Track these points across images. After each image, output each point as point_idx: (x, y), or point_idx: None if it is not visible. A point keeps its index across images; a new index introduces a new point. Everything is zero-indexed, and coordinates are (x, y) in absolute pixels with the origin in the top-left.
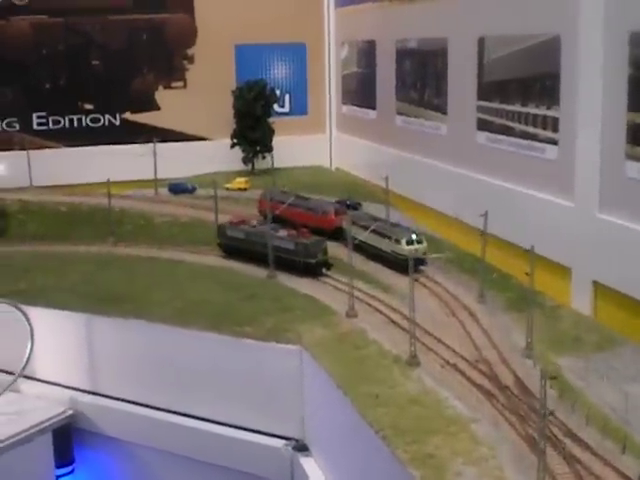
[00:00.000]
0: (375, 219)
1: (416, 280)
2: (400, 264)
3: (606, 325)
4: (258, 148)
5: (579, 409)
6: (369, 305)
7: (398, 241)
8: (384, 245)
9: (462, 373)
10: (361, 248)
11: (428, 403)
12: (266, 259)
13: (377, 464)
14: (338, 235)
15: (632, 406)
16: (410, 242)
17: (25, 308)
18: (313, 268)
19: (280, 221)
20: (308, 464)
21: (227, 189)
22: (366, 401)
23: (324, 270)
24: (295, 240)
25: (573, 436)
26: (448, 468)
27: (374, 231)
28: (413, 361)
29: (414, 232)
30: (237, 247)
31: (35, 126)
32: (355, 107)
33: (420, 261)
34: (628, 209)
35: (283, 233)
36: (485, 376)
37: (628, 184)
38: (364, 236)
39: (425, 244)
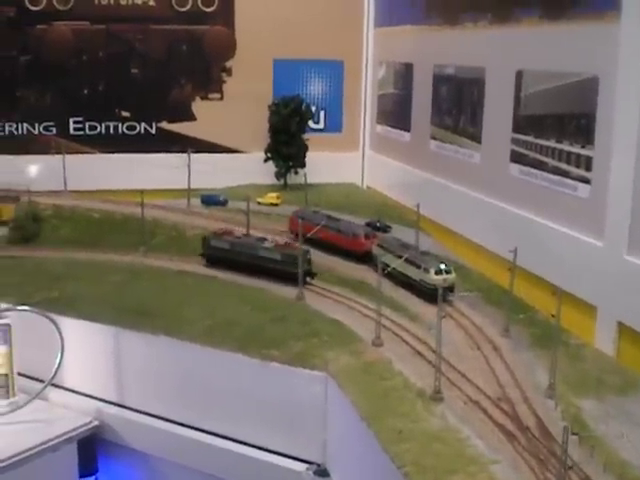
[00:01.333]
0: (405, 245)
1: (443, 316)
2: (428, 293)
3: (629, 367)
4: (291, 163)
5: (598, 456)
6: (395, 334)
7: (427, 270)
8: (413, 273)
9: (484, 411)
10: (389, 274)
11: (450, 441)
12: (251, 269)
13: None
14: (367, 259)
15: None
16: (439, 272)
17: (56, 317)
18: (298, 278)
19: (310, 241)
20: None
21: (259, 203)
22: (389, 436)
23: (308, 279)
24: (281, 251)
25: None
26: None
27: (405, 259)
28: (437, 396)
29: (443, 262)
30: (222, 257)
31: (72, 131)
32: (389, 128)
33: (449, 290)
34: None
35: (269, 244)
36: (507, 415)
37: None
38: (395, 263)
39: (454, 275)
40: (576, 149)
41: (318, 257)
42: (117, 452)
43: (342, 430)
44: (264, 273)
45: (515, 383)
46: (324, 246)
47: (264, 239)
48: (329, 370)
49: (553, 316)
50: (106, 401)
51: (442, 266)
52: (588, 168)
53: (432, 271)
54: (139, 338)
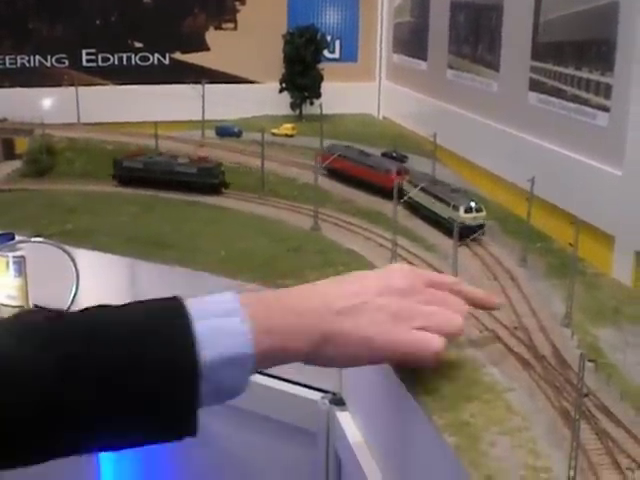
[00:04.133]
0: (436, 182)
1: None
2: (455, 231)
3: None
4: (306, 94)
5: (614, 384)
6: (411, 264)
7: (456, 207)
8: (441, 210)
9: (500, 339)
10: (417, 210)
11: (465, 369)
12: (165, 185)
13: (412, 427)
14: (399, 195)
15: None
16: (469, 210)
17: (70, 249)
18: (215, 188)
19: (339, 176)
20: (344, 418)
21: (273, 134)
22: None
23: (223, 190)
24: (197, 165)
25: (607, 412)
26: (483, 437)
27: (434, 196)
28: None
29: (473, 200)
30: (135, 177)
31: (84, 62)
32: (406, 57)
33: (477, 229)
34: None
35: (184, 160)
36: (523, 344)
37: None
38: (419, 197)
39: (484, 213)
40: (595, 76)
41: (337, 188)
42: None
43: None
44: (180, 187)
45: (532, 312)
46: (354, 182)
47: (177, 156)
48: None
49: (571, 245)
50: None
51: (472, 204)
52: (607, 96)
53: (462, 209)
54: (153, 269)
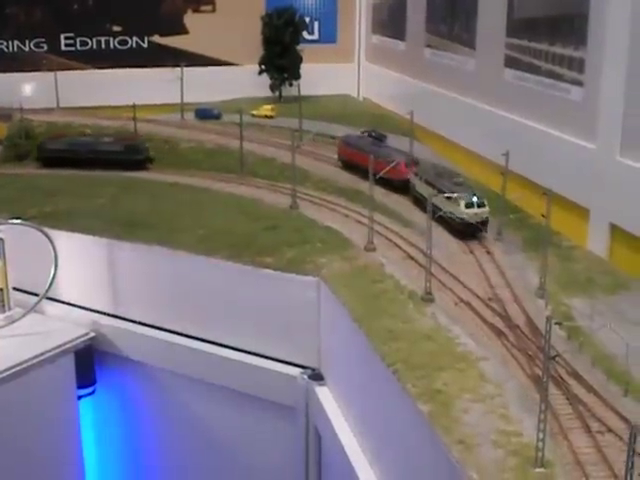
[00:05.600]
0: (441, 174)
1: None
2: (456, 228)
3: (620, 268)
4: (286, 75)
5: (586, 351)
6: (388, 240)
7: (457, 202)
8: (443, 205)
9: (475, 311)
10: (421, 203)
11: (440, 340)
12: (91, 164)
13: (388, 397)
14: (406, 188)
15: (632, 348)
16: (470, 205)
17: (50, 232)
18: (141, 163)
19: (351, 168)
20: (322, 393)
21: (253, 116)
22: (380, 335)
23: (148, 165)
24: (123, 143)
25: (578, 377)
26: (455, 404)
27: (435, 187)
28: (428, 297)
29: (475, 194)
30: (60, 157)
31: (63, 47)
32: (385, 38)
33: (482, 225)
34: None
35: (108, 139)
36: (497, 315)
37: None
38: (422, 189)
39: (487, 208)
40: (569, 51)
41: (316, 167)
42: (115, 363)
43: (335, 334)
44: (106, 165)
45: (506, 284)
46: (365, 172)
47: (101, 136)
48: (322, 275)
49: (543, 216)
50: (102, 312)
51: (474, 198)
52: (581, 70)
53: (462, 203)
54: (132, 249)
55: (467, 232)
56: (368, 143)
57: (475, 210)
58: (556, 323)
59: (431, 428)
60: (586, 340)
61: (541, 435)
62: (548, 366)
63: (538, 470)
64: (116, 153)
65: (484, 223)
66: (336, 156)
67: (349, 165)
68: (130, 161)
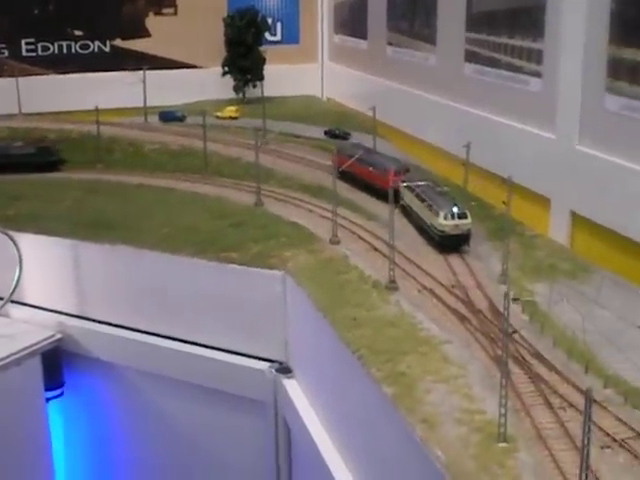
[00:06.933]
0: (429, 185)
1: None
2: (436, 240)
3: (582, 255)
4: (249, 77)
5: (548, 332)
6: (352, 232)
7: (437, 213)
8: (425, 216)
9: (438, 298)
10: (406, 212)
11: (403, 326)
12: (2, 168)
13: (354, 383)
14: (397, 197)
15: (590, 327)
16: (450, 216)
17: (13, 234)
18: (54, 165)
19: (345, 177)
20: (291, 386)
21: (217, 117)
22: (345, 323)
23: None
24: (35, 145)
25: (540, 357)
26: (418, 386)
27: (419, 197)
28: (391, 286)
29: (456, 204)
30: None
31: (24, 52)
32: (347, 37)
33: (463, 239)
34: (606, 142)
35: (18, 143)
36: (460, 301)
37: (607, 117)
38: (408, 199)
39: (469, 220)
40: (527, 43)
41: (279, 165)
42: (83, 364)
43: (302, 326)
44: (18, 169)
45: (469, 272)
46: (357, 181)
47: (10, 140)
48: (287, 268)
49: (504, 203)
50: (68, 314)
51: (454, 209)
52: (539, 62)
53: (442, 215)
54: (97, 250)
55: (447, 246)
56: (361, 151)
57: (456, 222)
58: (514, 299)
59: (395, 409)
60: (547, 321)
61: (503, 410)
62: (507, 342)
63: (501, 445)
64: (28, 156)
65: (466, 237)
66: (299, 154)
67: (349, 176)
68: (42, 163)
